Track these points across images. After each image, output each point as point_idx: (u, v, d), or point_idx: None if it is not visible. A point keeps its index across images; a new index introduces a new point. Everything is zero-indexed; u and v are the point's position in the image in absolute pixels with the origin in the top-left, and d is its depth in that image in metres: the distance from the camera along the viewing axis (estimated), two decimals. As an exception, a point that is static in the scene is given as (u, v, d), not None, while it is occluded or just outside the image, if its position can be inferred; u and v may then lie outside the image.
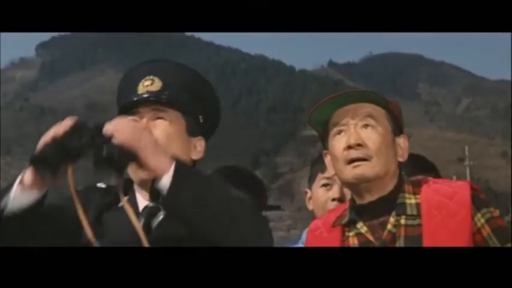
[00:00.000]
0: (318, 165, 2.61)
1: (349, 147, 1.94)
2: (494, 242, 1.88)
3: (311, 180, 2.66)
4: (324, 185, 2.58)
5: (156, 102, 1.81)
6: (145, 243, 1.58)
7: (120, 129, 1.56)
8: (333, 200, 2.54)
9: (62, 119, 1.58)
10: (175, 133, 1.83)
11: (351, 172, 1.97)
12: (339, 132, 2.00)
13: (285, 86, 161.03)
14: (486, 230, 1.88)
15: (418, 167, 2.60)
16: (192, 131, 1.87)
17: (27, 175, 1.64)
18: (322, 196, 2.56)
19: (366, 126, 1.96)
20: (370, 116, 1.97)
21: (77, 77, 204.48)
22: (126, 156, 1.55)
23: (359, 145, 1.93)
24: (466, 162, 45.16)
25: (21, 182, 1.66)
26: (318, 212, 2.50)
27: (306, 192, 2.68)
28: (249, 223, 1.61)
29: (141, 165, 1.57)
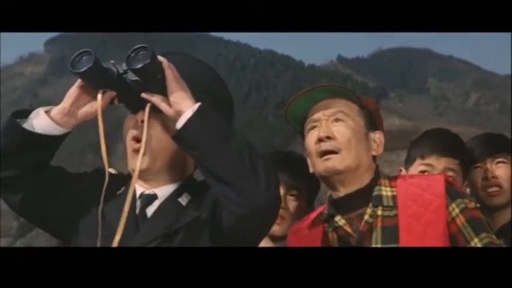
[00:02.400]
0: (418, 148, 2.69)
1: (320, 140, 2.00)
2: (469, 232, 1.89)
3: (408, 162, 2.71)
4: (422, 172, 2.62)
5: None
6: (119, 235, 1.65)
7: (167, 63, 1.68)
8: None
9: None
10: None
11: (322, 165, 2.02)
12: (312, 127, 2.06)
13: (294, 81, 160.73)
14: (461, 220, 1.90)
15: (458, 150, 2.68)
16: None
17: (57, 108, 1.74)
18: None
19: (336, 120, 2.01)
20: (341, 111, 2.01)
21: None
22: (158, 84, 1.67)
23: (328, 137, 1.98)
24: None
25: (47, 112, 1.74)
26: None
27: (401, 171, 2.71)
28: (261, 176, 1.60)
29: (162, 100, 1.68)
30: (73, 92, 1.75)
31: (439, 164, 2.61)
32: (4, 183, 1.76)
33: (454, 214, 1.90)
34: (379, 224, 1.93)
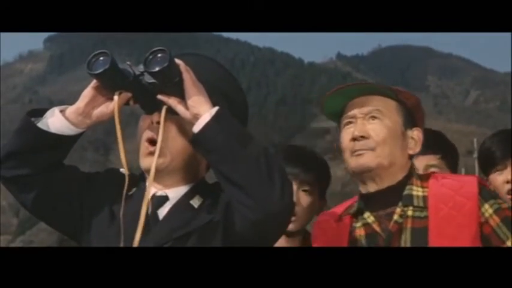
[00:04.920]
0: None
1: (354, 139, 1.97)
2: (504, 232, 1.85)
3: None
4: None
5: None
6: (138, 235, 1.67)
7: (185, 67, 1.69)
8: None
9: None
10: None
11: (354, 161, 1.99)
12: (348, 123, 2.03)
13: (294, 79, 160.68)
14: (495, 220, 1.86)
15: (437, 145, 2.64)
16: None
17: (72, 108, 1.73)
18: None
19: (373, 118, 1.98)
20: (377, 109, 1.98)
21: (86, 71, 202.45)
22: (176, 87, 1.67)
23: (362, 137, 1.95)
24: (475, 155, 44.94)
25: (62, 112, 1.74)
26: None
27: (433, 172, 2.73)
28: (276, 183, 1.59)
29: (179, 102, 1.68)
30: (88, 92, 1.74)
31: (419, 163, 2.57)
32: (17, 181, 1.77)
33: (487, 215, 1.86)
34: (409, 225, 1.91)
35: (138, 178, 1.89)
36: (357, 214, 2.04)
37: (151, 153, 1.75)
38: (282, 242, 2.22)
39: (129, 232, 1.69)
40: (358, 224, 2.02)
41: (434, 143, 2.62)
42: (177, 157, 1.80)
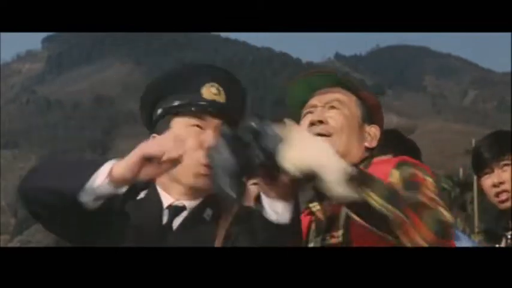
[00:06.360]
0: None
1: (312, 123, 1.98)
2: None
3: None
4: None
5: (224, 116, 1.79)
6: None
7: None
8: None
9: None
10: None
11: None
12: (307, 113, 2.05)
13: (292, 79, 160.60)
14: (397, 183, 1.84)
15: (396, 144, 2.61)
16: None
17: (120, 169, 1.59)
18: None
19: (331, 107, 2.01)
20: (337, 99, 2.02)
21: (84, 70, 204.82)
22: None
23: (320, 122, 1.97)
24: (473, 155, 45.01)
25: (109, 175, 1.60)
26: None
27: None
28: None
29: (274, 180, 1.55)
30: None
31: None
32: (37, 217, 1.70)
33: (392, 179, 1.86)
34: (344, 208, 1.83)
35: (146, 183, 1.81)
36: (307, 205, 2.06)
37: (205, 176, 1.73)
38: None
39: (144, 238, 1.70)
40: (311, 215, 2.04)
41: (393, 142, 2.59)
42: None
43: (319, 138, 1.82)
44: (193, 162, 1.76)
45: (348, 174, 1.52)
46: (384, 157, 2.39)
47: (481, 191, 2.61)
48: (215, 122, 1.78)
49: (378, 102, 2.16)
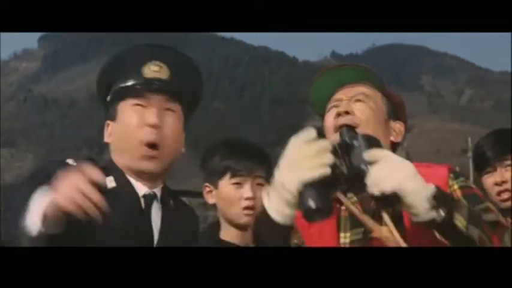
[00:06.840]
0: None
1: (338, 114, 1.98)
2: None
3: None
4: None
5: (167, 92, 1.78)
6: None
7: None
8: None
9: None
10: (181, 128, 1.85)
11: (336, 137, 1.94)
12: (333, 107, 2.04)
13: (289, 77, 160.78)
14: (457, 195, 1.88)
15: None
16: (184, 125, 1.87)
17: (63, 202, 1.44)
18: None
19: (358, 101, 2.01)
20: (364, 93, 2.02)
21: (80, 69, 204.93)
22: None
23: (347, 113, 1.97)
24: (469, 154, 45.14)
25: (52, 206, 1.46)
26: None
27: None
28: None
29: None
30: None
31: None
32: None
33: (451, 190, 1.87)
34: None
35: (108, 170, 1.75)
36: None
37: (152, 157, 1.74)
38: (232, 235, 2.28)
39: (121, 230, 1.67)
40: (343, 207, 1.98)
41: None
42: (168, 161, 1.82)
43: (406, 161, 1.71)
44: (136, 143, 1.74)
45: (431, 196, 1.52)
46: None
47: (480, 190, 2.59)
48: (158, 98, 1.76)
49: (402, 100, 2.17)
